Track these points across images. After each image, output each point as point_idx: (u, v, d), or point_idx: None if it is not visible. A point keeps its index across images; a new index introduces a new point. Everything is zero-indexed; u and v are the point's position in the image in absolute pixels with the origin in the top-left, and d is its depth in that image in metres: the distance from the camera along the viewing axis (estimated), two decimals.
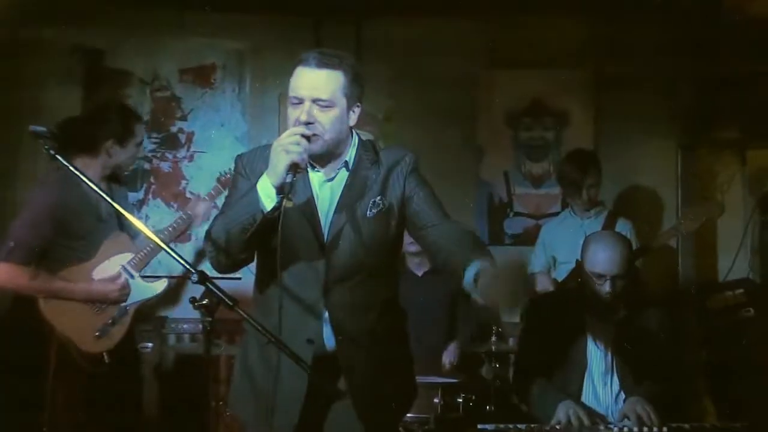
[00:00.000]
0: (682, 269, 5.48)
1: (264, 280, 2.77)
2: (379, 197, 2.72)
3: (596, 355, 3.55)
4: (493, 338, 4.68)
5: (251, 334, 2.79)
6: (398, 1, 5.38)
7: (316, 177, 2.74)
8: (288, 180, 2.51)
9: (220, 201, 3.55)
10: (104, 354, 3.82)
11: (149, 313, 4.85)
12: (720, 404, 4.78)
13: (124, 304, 3.89)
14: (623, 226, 4.95)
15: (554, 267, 5.10)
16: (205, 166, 5.53)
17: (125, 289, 3.90)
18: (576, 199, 5.08)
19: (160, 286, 4.03)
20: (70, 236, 3.82)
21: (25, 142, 5.23)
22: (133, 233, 4.00)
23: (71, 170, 2.54)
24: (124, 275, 3.90)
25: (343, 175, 2.74)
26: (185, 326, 5.45)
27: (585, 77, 5.62)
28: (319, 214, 2.71)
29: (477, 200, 5.65)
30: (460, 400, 4.18)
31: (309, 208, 2.70)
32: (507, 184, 5.67)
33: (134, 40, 5.51)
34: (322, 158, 2.70)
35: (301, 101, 2.62)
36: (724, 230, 5.50)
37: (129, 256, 3.93)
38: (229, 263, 2.69)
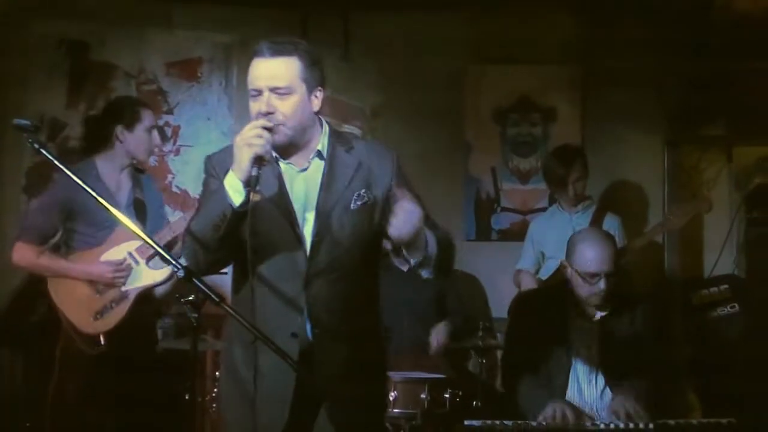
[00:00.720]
0: (668, 265, 5.50)
1: (240, 279, 2.73)
2: (364, 190, 2.69)
3: (581, 353, 3.55)
4: (480, 333, 4.68)
5: (235, 333, 2.75)
6: None
7: (287, 168, 2.70)
8: (254, 173, 2.51)
9: None
10: (100, 336, 3.96)
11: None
12: (706, 400, 4.80)
13: (124, 288, 4.03)
14: (611, 221, 4.96)
15: (543, 262, 5.11)
16: (192, 161, 5.50)
17: (121, 272, 4.03)
18: (562, 195, 5.09)
19: (163, 274, 4.09)
20: (88, 224, 4.03)
21: (10, 136, 5.20)
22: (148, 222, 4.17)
23: (58, 165, 2.52)
24: (129, 260, 4.04)
25: (318, 164, 2.70)
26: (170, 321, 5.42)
27: (572, 73, 5.62)
28: (294, 206, 2.68)
29: (465, 196, 5.65)
30: (447, 396, 4.17)
31: (282, 200, 2.67)
32: (494, 179, 5.68)
33: (120, 33, 5.47)
34: (289, 148, 2.67)
35: (260, 92, 2.61)
36: (709, 227, 5.52)
37: (137, 243, 4.03)
38: (208, 261, 2.66)
